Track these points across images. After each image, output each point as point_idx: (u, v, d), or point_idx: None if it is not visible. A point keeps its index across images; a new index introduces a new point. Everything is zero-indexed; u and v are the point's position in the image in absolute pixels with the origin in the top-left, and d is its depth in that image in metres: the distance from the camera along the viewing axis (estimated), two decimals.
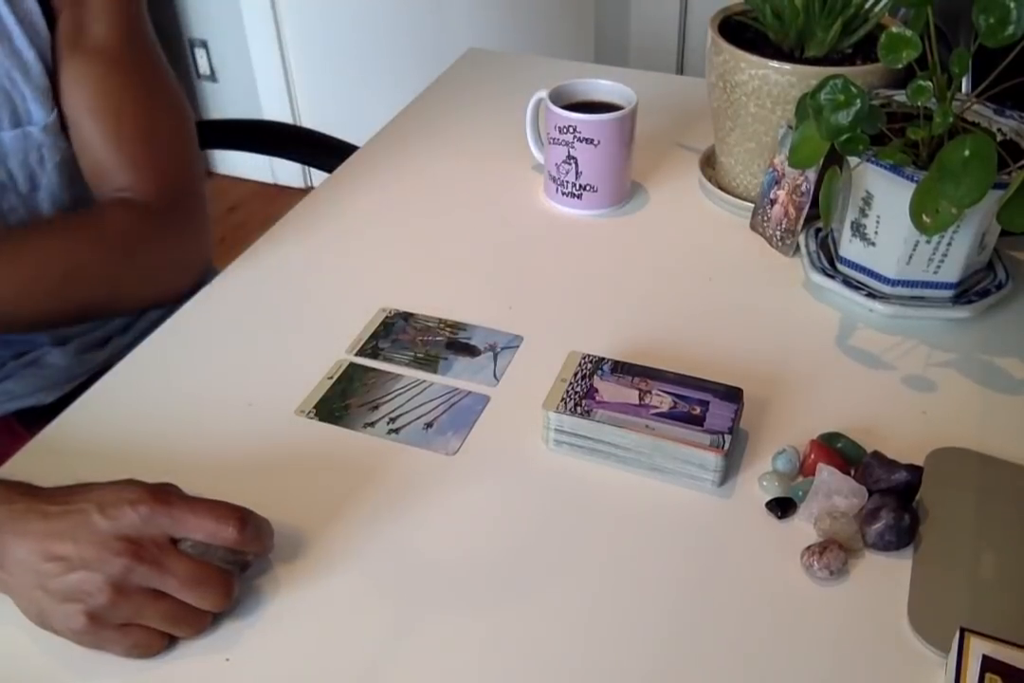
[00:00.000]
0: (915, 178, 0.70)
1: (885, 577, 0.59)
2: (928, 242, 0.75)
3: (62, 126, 0.82)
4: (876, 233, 0.77)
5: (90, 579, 0.51)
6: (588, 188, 0.92)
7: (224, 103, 2.55)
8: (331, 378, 0.74)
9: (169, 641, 0.55)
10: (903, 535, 0.59)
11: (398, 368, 0.75)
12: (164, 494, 0.55)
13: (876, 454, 0.64)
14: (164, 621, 0.54)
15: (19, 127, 0.79)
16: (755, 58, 0.82)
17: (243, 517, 0.55)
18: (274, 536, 0.58)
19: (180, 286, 0.85)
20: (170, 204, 0.83)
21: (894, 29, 0.70)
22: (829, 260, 0.83)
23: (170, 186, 0.84)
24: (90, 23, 0.81)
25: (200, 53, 2.46)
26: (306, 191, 0.98)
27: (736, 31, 0.88)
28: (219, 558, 0.55)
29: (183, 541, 0.54)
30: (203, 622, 0.55)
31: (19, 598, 0.54)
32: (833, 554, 0.58)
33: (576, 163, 0.90)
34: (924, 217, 0.66)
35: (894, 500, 0.60)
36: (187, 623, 0.54)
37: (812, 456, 0.65)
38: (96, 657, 0.55)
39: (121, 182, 0.82)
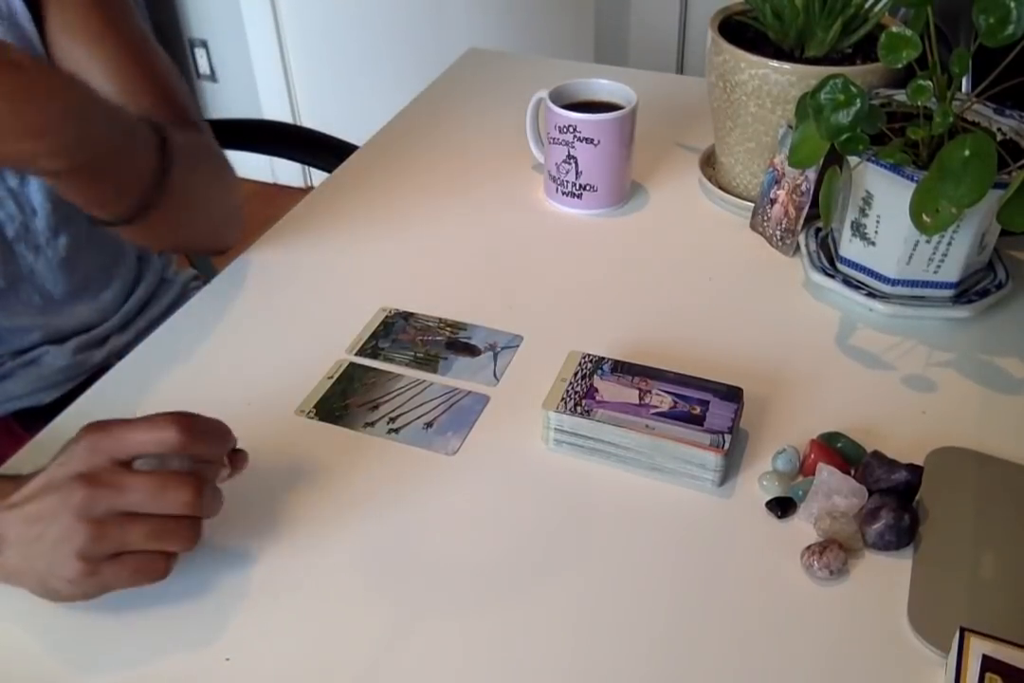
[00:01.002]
0: (915, 178, 0.70)
1: (885, 577, 0.59)
2: (928, 242, 0.75)
3: None
4: (876, 233, 0.77)
5: (61, 524, 0.52)
6: (588, 188, 0.92)
7: (224, 103, 2.55)
8: (331, 378, 0.74)
9: (173, 560, 0.55)
10: (903, 535, 0.59)
11: (398, 368, 0.75)
12: (100, 422, 0.55)
13: (876, 454, 0.64)
14: (150, 539, 0.53)
15: None
16: (755, 58, 0.82)
17: (180, 419, 0.54)
18: (230, 434, 0.57)
19: (224, 232, 0.87)
20: (186, 123, 0.83)
21: (894, 29, 0.70)
22: (829, 260, 0.83)
23: (184, 123, 0.83)
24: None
25: (200, 53, 2.46)
26: (306, 191, 0.98)
27: (736, 31, 0.88)
28: (177, 467, 0.55)
29: (135, 462, 0.54)
30: (191, 530, 0.54)
31: (21, 576, 0.54)
32: (833, 554, 0.58)
33: (576, 163, 0.90)
34: (924, 217, 0.66)
35: (894, 500, 0.60)
36: (174, 534, 0.54)
37: (812, 456, 0.65)
38: (95, 655, 0.55)
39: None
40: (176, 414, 0.55)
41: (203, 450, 0.56)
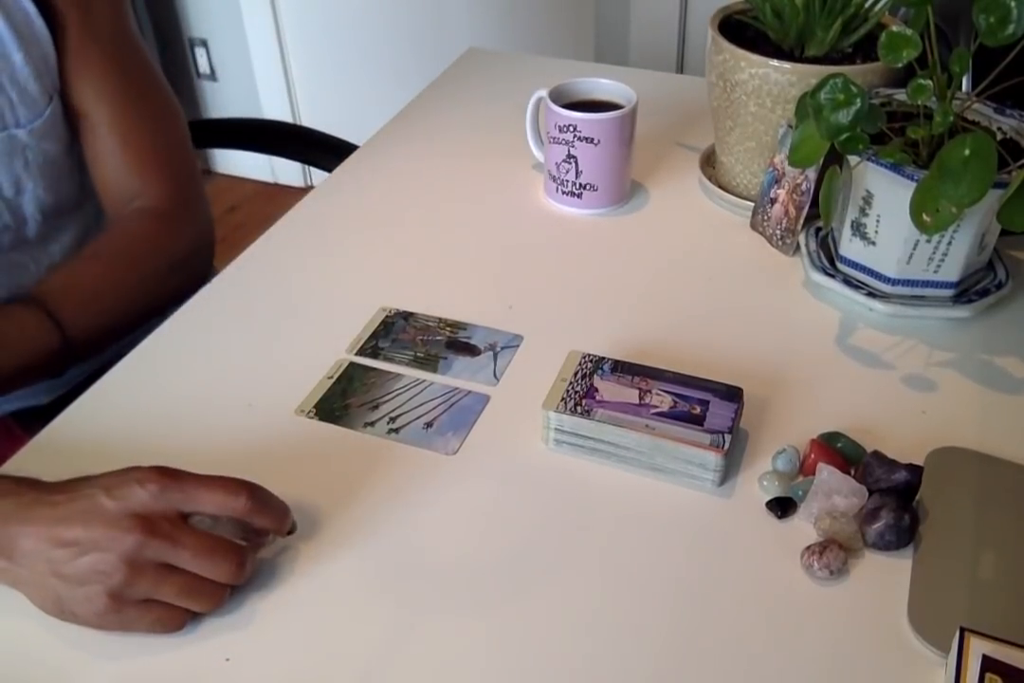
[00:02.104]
0: (915, 177, 0.70)
1: (885, 577, 0.59)
2: (928, 241, 0.75)
3: (53, 129, 0.83)
4: (876, 232, 0.77)
5: (104, 559, 0.52)
6: (588, 187, 0.92)
7: (224, 103, 2.55)
8: (331, 378, 0.74)
9: (192, 617, 0.56)
10: (903, 535, 0.59)
11: (398, 368, 0.75)
12: (172, 470, 0.55)
13: (876, 454, 0.64)
14: (180, 595, 0.54)
15: (5, 130, 0.79)
16: (755, 57, 0.82)
17: (252, 488, 0.56)
18: (289, 516, 0.59)
19: (202, 274, 0.90)
20: (180, 204, 0.88)
21: (894, 28, 0.70)
22: (829, 259, 0.83)
23: (178, 188, 0.88)
24: (92, 26, 0.82)
25: (200, 53, 2.46)
26: (306, 191, 0.98)
27: (736, 30, 0.88)
28: (229, 533, 0.56)
29: (192, 516, 0.55)
30: (219, 595, 0.56)
31: (31, 589, 0.54)
32: (833, 554, 0.58)
33: (576, 162, 0.90)
34: (924, 216, 0.66)
35: (894, 500, 0.60)
36: (204, 596, 0.55)
37: (812, 456, 0.65)
38: (95, 654, 0.55)
39: (134, 189, 0.86)
40: (245, 483, 0.56)
41: (260, 523, 0.57)
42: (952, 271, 0.77)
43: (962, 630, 0.52)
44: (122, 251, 0.85)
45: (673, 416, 0.64)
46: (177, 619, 0.55)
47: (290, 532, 0.59)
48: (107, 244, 0.85)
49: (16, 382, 0.77)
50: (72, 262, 0.85)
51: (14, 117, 0.79)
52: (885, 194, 0.74)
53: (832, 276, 0.80)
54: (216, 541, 0.55)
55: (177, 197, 0.88)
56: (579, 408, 0.65)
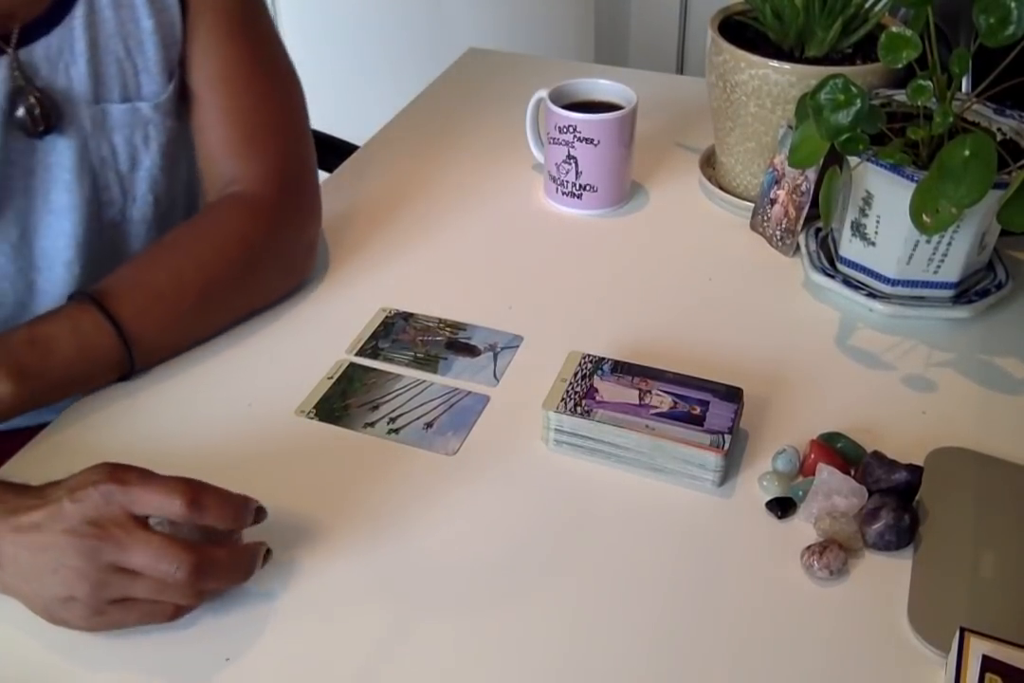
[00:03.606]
0: (915, 178, 0.70)
1: (885, 577, 0.59)
2: (928, 242, 0.75)
3: (176, 106, 0.80)
4: (876, 233, 0.77)
5: (70, 567, 0.52)
6: (588, 188, 0.92)
7: None
8: (331, 378, 0.74)
9: (184, 609, 0.55)
10: (903, 535, 0.59)
11: (398, 368, 0.75)
12: (122, 471, 0.54)
13: (876, 454, 0.64)
14: (154, 592, 0.53)
15: (128, 102, 0.76)
16: (755, 58, 0.82)
17: (192, 491, 0.53)
18: (245, 509, 0.56)
19: (300, 272, 0.84)
20: (277, 190, 0.81)
21: (894, 29, 0.70)
22: (829, 260, 0.83)
23: (278, 173, 0.81)
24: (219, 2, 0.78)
25: None
26: None
27: (736, 31, 0.88)
28: (187, 533, 0.55)
29: (152, 518, 0.54)
30: (190, 593, 0.54)
31: (24, 597, 0.54)
32: (833, 554, 0.58)
33: (576, 163, 0.90)
34: (924, 217, 0.66)
35: (894, 500, 0.60)
36: (175, 592, 0.54)
37: (812, 456, 0.65)
38: (95, 654, 0.55)
39: (231, 173, 0.80)
40: (188, 484, 0.54)
41: (211, 522, 0.54)
42: (952, 272, 0.77)
43: (962, 630, 0.52)
44: (196, 242, 0.76)
45: (673, 416, 0.65)
46: (166, 610, 0.54)
47: (257, 521, 0.57)
48: (184, 233, 0.77)
49: (70, 387, 0.70)
50: (141, 253, 0.77)
51: (137, 88, 0.76)
52: (885, 195, 0.74)
53: (832, 277, 0.80)
54: (165, 544, 0.52)
55: (274, 183, 0.80)
56: (579, 408, 0.65)
